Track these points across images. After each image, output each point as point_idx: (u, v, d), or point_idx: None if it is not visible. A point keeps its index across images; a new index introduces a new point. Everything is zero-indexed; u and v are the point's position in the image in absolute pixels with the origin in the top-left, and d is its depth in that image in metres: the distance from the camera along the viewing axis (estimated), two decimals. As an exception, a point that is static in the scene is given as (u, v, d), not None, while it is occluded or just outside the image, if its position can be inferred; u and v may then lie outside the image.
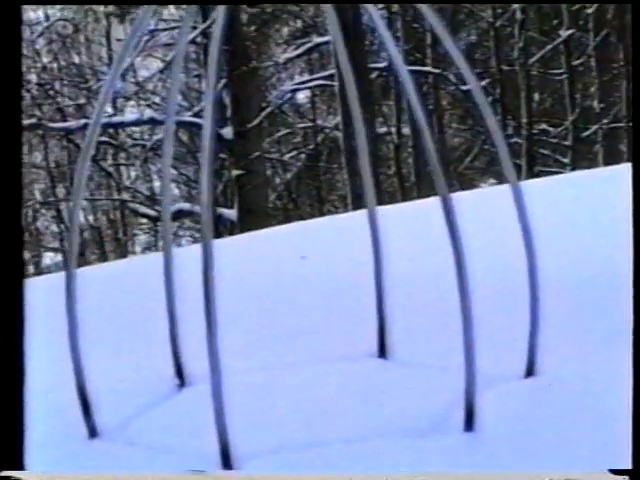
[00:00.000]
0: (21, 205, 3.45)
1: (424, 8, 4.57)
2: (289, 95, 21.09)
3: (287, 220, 15.64)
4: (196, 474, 3.45)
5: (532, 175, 18.09)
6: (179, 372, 4.54)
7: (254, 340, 4.93)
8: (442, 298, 3.81)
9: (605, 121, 21.53)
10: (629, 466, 3.19)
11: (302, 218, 16.12)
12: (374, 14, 4.60)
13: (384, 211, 4.90)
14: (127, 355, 5.06)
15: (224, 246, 6.92)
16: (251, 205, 17.32)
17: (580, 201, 8.16)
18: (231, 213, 17.25)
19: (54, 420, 4.07)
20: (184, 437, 3.98)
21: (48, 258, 21.09)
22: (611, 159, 19.99)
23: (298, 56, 20.49)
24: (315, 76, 20.33)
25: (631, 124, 3.52)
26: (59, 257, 19.96)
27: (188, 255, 3.92)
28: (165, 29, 18.50)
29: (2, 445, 3.19)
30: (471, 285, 3.73)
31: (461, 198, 3.99)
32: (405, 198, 15.63)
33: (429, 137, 4.20)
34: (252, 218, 16.32)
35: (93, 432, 4.12)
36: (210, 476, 3.40)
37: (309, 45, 19.45)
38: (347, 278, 5.53)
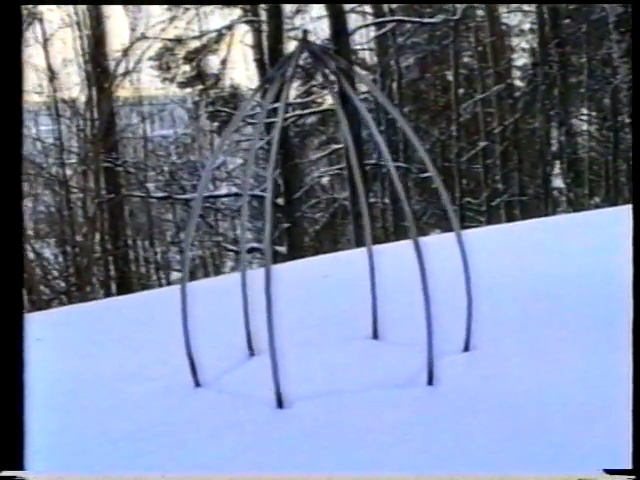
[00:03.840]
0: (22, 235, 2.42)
1: (405, 127, 4.49)
2: (317, 179, 21.17)
3: (316, 254, 15.43)
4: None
5: (463, 228, 17.93)
6: (250, 346, 4.41)
7: (296, 327, 4.78)
8: (416, 301, 3.68)
9: (505, 196, 21.49)
10: (629, 466, 2.33)
11: (325, 252, 15.96)
12: (375, 133, 4.52)
13: (376, 248, 4.77)
14: (218, 335, 4.86)
15: (278, 270, 6.80)
16: (294, 244, 17.39)
17: (492, 241, 8.04)
18: (283, 249, 17.19)
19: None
20: (253, 387, 3.85)
21: (174, 275, 21.04)
22: (509, 219, 20.06)
23: (323, 156, 20.55)
24: (333, 167, 20.32)
25: (630, 123, 2.67)
26: (180, 274, 20.03)
27: (257, 275, 3.81)
28: (245, 140, 18.45)
29: (2, 445, 2.32)
30: (431, 291, 3.61)
31: (422, 241, 3.87)
32: (387, 241, 15.43)
33: (406, 203, 4.14)
34: (295, 252, 16.25)
35: (197, 383, 4.01)
36: (210, 476, 2.92)
37: (330, 150, 19.54)
38: (354, 289, 5.35)
